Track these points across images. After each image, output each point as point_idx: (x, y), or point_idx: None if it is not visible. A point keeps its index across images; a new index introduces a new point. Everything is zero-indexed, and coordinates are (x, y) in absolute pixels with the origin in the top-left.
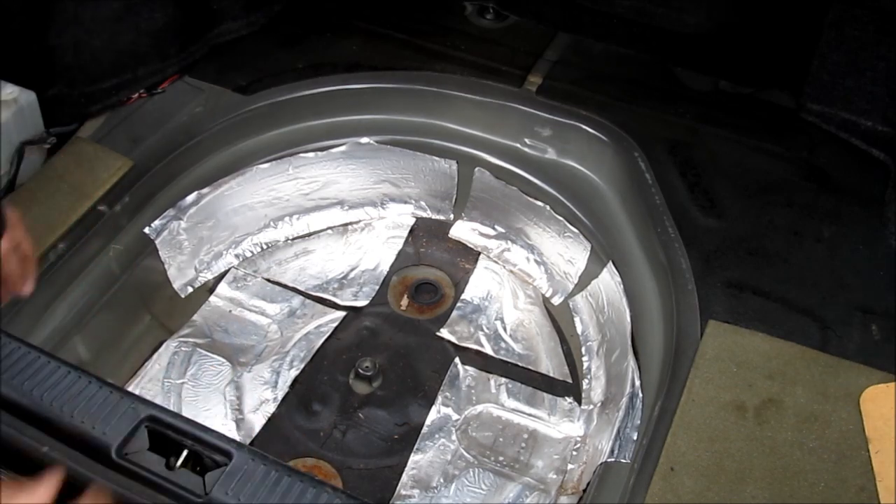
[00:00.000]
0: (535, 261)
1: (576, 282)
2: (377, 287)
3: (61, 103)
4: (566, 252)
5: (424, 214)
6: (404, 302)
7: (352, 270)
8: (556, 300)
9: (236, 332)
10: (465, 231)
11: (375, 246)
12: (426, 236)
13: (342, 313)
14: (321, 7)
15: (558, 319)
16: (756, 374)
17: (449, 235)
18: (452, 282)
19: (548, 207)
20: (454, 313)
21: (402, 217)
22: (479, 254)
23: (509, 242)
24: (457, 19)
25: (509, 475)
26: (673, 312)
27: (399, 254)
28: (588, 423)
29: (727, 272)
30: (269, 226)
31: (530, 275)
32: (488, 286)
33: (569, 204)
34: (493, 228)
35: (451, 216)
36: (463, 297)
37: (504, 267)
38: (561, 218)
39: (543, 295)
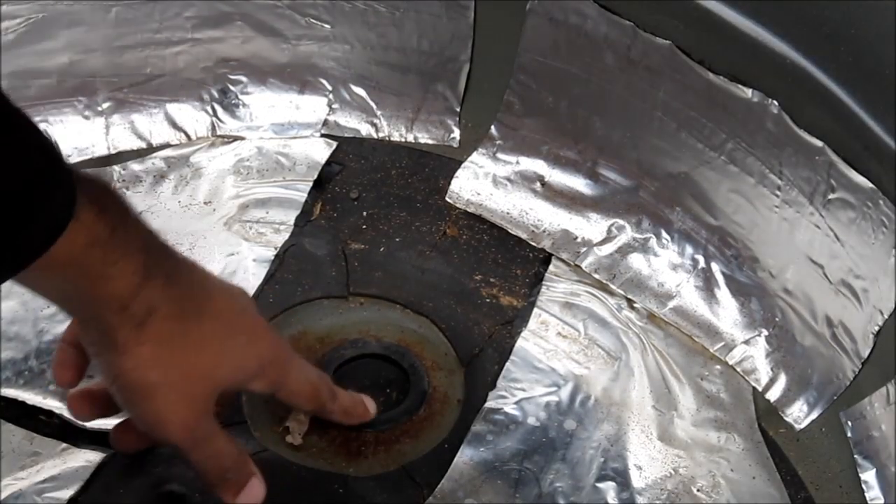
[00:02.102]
0: (745, 288)
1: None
2: None
3: None
4: (863, 266)
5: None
6: (297, 426)
7: None
8: (800, 413)
9: None
10: (493, 193)
11: (206, 239)
12: (378, 200)
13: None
14: None
15: (797, 464)
16: None
17: (447, 198)
18: (457, 355)
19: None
20: (462, 458)
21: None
22: (544, 259)
23: (661, 237)
24: None
25: None
26: None
27: (280, 261)
28: None
29: None
30: None
31: (731, 338)
32: (579, 377)
33: None
34: (599, 178)
35: (456, 135)
36: (490, 405)
37: (636, 311)
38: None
39: (766, 402)
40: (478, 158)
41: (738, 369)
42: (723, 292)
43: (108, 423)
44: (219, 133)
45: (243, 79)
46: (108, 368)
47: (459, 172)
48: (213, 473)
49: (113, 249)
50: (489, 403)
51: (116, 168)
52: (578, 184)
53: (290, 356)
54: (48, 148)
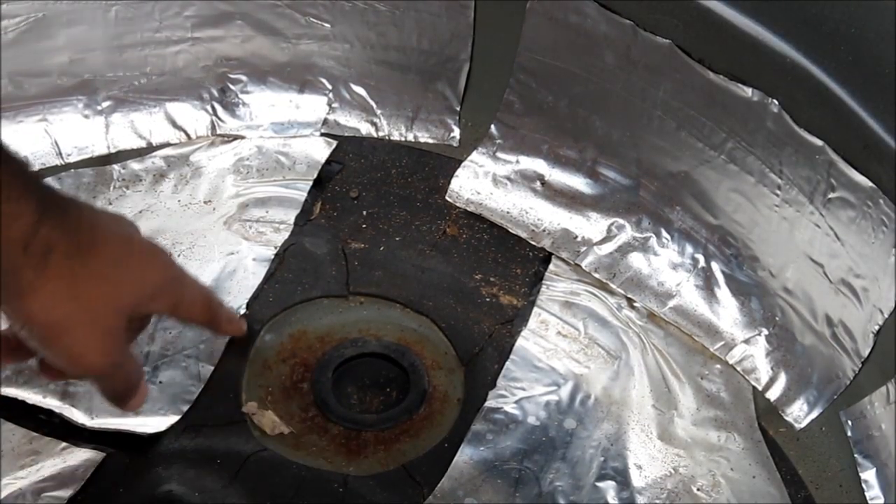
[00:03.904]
0: (747, 289)
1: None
2: (211, 368)
3: None
4: (863, 265)
5: (361, 127)
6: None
7: None
8: (800, 412)
9: None
10: (493, 192)
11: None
12: (377, 212)
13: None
14: None
15: (797, 464)
16: None
17: (446, 197)
18: (457, 354)
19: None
20: (462, 457)
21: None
22: (544, 258)
23: (661, 235)
24: None
25: None
26: None
27: (280, 261)
28: None
29: None
30: None
31: (731, 337)
32: (579, 376)
33: None
34: (598, 179)
35: (456, 134)
36: (490, 405)
37: (636, 310)
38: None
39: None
40: (478, 157)
41: (738, 368)
42: (723, 291)
43: (108, 422)
44: (219, 132)
45: (243, 78)
46: (17, 314)
47: (459, 171)
48: (121, 392)
49: (10, 189)
50: (489, 402)
51: (116, 167)
52: (578, 183)
53: (182, 274)
54: None
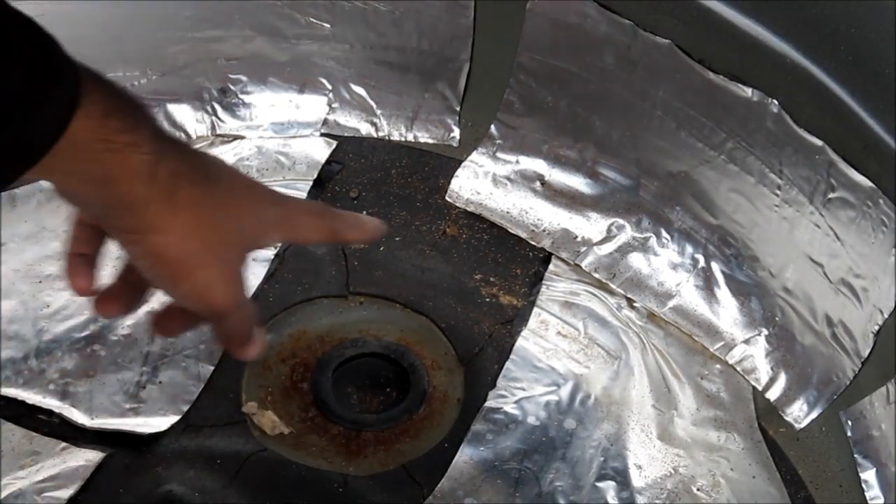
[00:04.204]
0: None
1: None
2: (211, 368)
3: None
4: (863, 265)
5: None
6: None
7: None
8: (800, 413)
9: None
10: (493, 192)
11: None
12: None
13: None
14: None
15: (797, 464)
16: None
17: (446, 197)
18: (457, 354)
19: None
20: (462, 457)
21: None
22: (544, 258)
23: (661, 235)
24: None
25: None
26: None
27: (280, 261)
28: None
29: None
30: None
31: (731, 337)
32: (579, 376)
33: None
34: (598, 177)
35: (456, 134)
36: (490, 405)
37: (636, 310)
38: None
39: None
40: (478, 158)
41: (738, 368)
42: (723, 291)
43: (108, 422)
44: (219, 132)
45: (243, 78)
46: (149, 249)
47: (459, 172)
48: (239, 335)
49: (127, 117)
50: (489, 403)
51: None
52: (578, 183)
53: (291, 201)
54: (48, 39)
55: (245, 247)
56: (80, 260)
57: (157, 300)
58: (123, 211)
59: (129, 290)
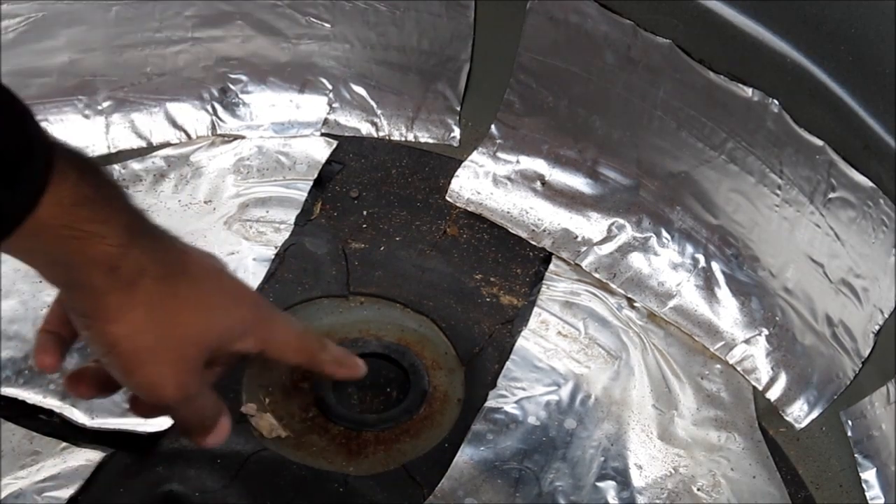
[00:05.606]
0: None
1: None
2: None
3: None
4: (863, 265)
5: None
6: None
7: None
8: (801, 412)
9: None
10: (493, 192)
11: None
12: (378, 212)
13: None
14: None
15: (797, 464)
16: None
17: (447, 197)
18: (457, 354)
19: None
20: (462, 457)
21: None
22: (544, 258)
23: (661, 236)
24: None
25: None
26: None
27: (280, 261)
28: None
29: None
30: None
31: (731, 337)
32: (579, 376)
33: None
34: (598, 180)
35: (456, 134)
36: (491, 405)
37: (637, 310)
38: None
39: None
40: (478, 157)
41: (739, 368)
42: (723, 291)
43: (108, 422)
44: (219, 132)
45: (243, 78)
46: (101, 338)
47: (460, 171)
48: (195, 424)
49: (99, 208)
50: (489, 403)
51: (116, 167)
52: (579, 183)
53: (273, 311)
54: (22, 112)
55: (208, 346)
56: (51, 337)
57: None
58: (81, 296)
59: (103, 375)
